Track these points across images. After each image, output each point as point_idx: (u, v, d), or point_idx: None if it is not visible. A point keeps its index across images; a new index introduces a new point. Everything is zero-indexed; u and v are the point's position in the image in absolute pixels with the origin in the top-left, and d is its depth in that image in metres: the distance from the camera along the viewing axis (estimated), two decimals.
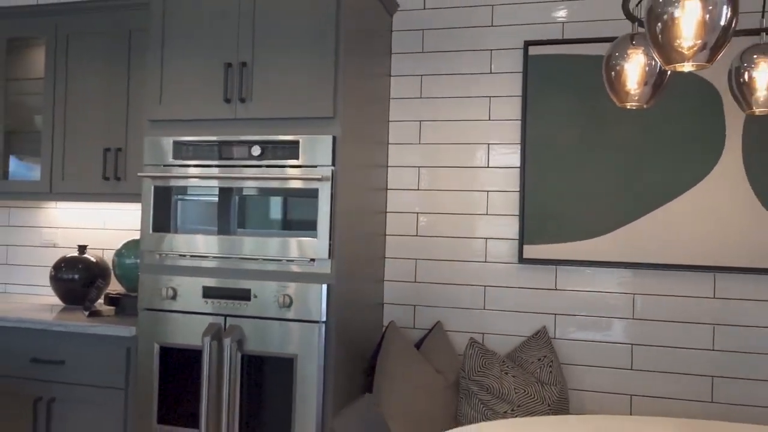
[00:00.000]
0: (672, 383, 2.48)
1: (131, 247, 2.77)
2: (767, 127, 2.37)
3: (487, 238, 2.69)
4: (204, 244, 2.31)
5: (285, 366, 2.23)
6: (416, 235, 2.76)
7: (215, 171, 2.30)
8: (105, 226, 3.09)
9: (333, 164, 2.20)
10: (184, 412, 2.32)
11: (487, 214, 2.69)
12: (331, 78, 2.21)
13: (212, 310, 2.30)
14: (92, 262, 2.84)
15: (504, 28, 2.68)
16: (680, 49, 1.34)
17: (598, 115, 2.53)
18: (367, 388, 2.56)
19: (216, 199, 2.31)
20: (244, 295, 2.27)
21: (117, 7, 2.71)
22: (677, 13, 1.33)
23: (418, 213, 2.76)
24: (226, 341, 2.24)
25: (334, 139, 2.20)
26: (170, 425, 2.34)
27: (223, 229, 2.30)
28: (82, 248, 2.86)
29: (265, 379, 2.24)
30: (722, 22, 1.31)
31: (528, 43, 2.61)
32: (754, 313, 2.41)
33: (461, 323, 2.71)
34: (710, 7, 1.31)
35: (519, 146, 2.65)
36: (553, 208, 2.58)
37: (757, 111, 1.82)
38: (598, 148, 2.53)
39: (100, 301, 2.80)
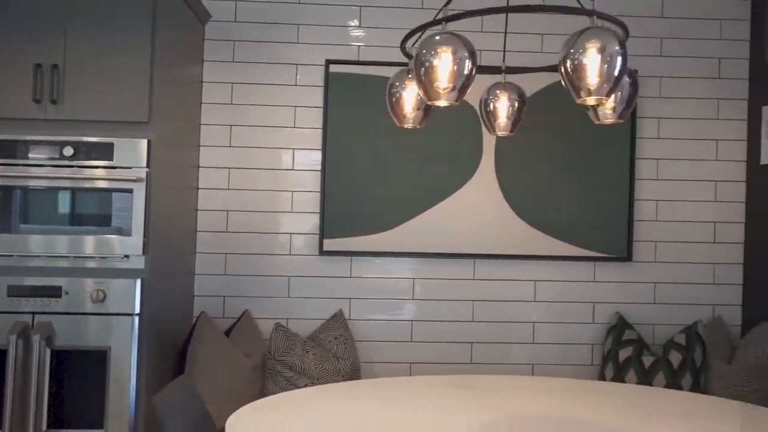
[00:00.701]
0: (442, 350, 3.02)
1: None
2: (512, 144, 3.01)
3: (291, 233, 3.00)
4: (10, 243, 2.30)
5: (98, 358, 2.32)
6: (226, 231, 2.98)
7: (23, 170, 2.30)
8: None
9: (147, 166, 2.35)
10: None
11: (291, 212, 3.00)
12: (146, 84, 2.35)
13: (19, 309, 2.30)
14: None
15: (308, 45, 3.01)
16: (437, 89, 1.77)
17: (386, 127, 2.97)
18: (179, 374, 2.72)
19: (24, 198, 2.31)
20: (54, 293, 2.31)
21: None
22: (435, 62, 1.75)
23: (228, 211, 2.98)
24: (35, 338, 2.27)
25: (149, 142, 2.35)
26: None
27: (32, 228, 2.31)
28: None
29: (78, 372, 2.31)
30: (465, 72, 1.77)
31: (329, 62, 2.97)
32: (504, 290, 3.04)
33: (268, 311, 2.99)
34: (458, 60, 1.75)
35: (321, 151, 3.00)
36: (350, 206, 2.97)
37: (499, 133, 2.37)
38: (386, 154, 2.98)
39: None
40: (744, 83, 3.07)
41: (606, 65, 1.68)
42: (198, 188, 2.97)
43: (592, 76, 1.70)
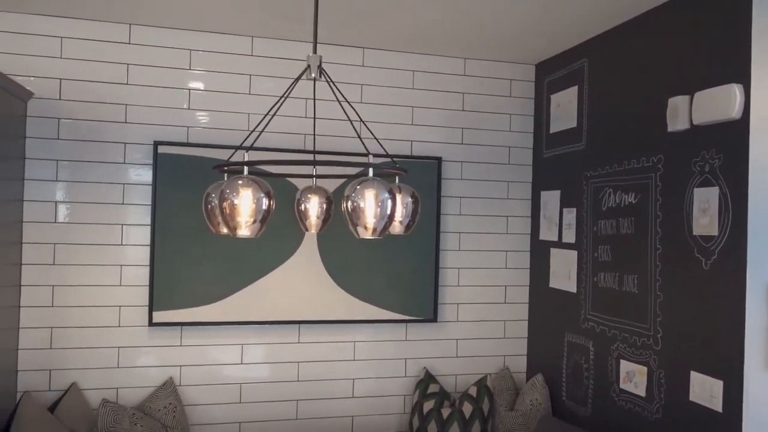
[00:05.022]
0: (269, 409, 3.28)
1: None
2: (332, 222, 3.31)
3: (120, 306, 3.10)
4: None
5: None
6: (51, 306, 3.01)
7: None
8: None
9: None
10: None
11: (120, 285, 3.10)
12: None
13: None
14: None
15: (136, 126, 3.11)
16: (242, 223, 2.02)
17: None
18: None
19: None
20: None
21: None
22: (236, 201, 2.00)
23: (53, 286, 3.01)
24: None
25: None
26: None
27: None
28: None
29: None
30: (264, 207, 2.03)
31: (157, 143, 3.10)
32: (326, 351, 3.36)
33: (97, 382, 3.07)
34: (258, 197, 2.01)
35: (150, 227, 3.12)
36: (178, 280, 3.13)
37: (312, 231, 2.66)
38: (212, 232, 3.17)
39: None
40: (528, 169, 3.62)
41: (379, 209, 2.02)
42: (21, 264, 2.97)
43: (369, 217, 2.03)
